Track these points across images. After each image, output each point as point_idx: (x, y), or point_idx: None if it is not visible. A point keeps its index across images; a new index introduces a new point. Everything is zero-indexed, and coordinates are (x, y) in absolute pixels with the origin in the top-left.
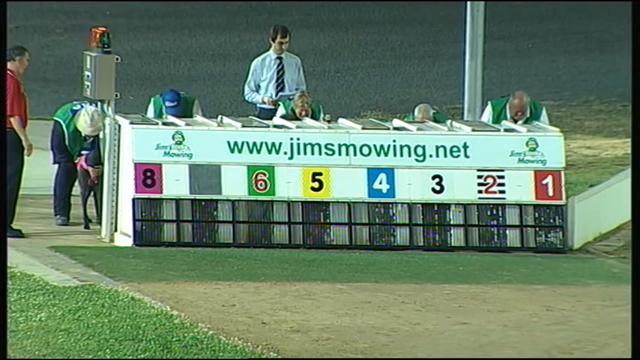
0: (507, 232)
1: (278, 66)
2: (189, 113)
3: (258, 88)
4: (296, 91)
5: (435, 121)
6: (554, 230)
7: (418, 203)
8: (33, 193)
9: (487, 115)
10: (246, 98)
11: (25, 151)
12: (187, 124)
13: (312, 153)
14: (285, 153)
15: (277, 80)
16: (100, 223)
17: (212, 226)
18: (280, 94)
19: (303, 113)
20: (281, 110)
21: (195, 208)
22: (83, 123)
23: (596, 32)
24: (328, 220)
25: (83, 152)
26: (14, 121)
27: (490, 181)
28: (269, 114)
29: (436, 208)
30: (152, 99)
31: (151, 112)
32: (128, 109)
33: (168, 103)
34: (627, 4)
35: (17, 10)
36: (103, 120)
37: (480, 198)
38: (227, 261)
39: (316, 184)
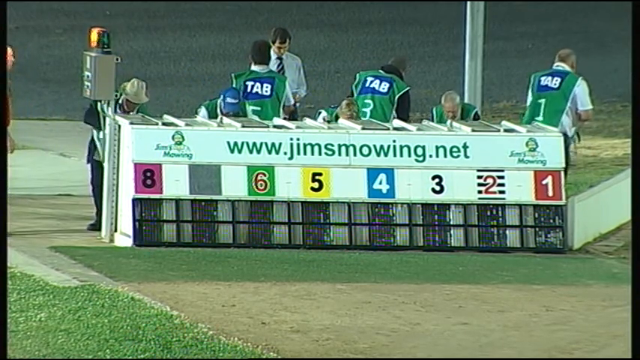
0: (507, 232)
1: (278, 66)
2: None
3: None
4: (297, 90)
5: (463, 110)
6: (554, 230)
7: (418, 203)
8: (33, 193)
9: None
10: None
11: (8, 150)
12: (187, 125)
13: (312, 153)
14: (285, 153)
15: None
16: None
17: (212, 226)
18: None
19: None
20: (323, 116)
21: (195, 208)
22: (130, 87)
23: (596, 32)
24: (328, 221)
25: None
26: None
27: (490, 181)
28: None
29: (436, 209)
30: (202, 105)
31: (202, 117)
32: None
33: (229, 100)
34: (627, 4)
35: (17, 10)
36: (142, 96)
37: (479, 198)
38: (227, 261)
39: (316, 185)
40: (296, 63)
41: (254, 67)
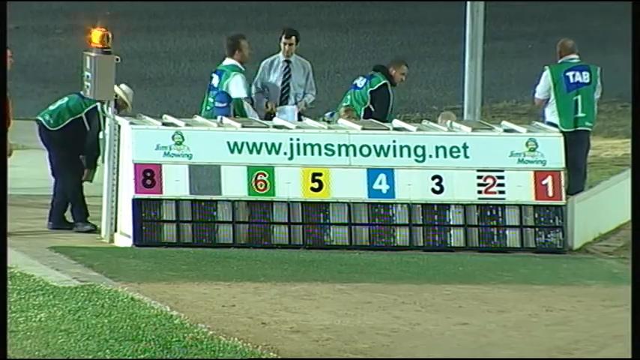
0: (507, 232)
1: (285, 69)
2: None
3: (264, 88)
4: (305, 97)
5: None
6: (554, 230)
7: (418, 203)
8: (33, 193)
9: (546, 80)
10: (253, 97)
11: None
12: (187, 125)
13: (312, 153)
14: (285, 153)
15: (283, 83)
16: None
17: (212, 226)
18: (279, 109)
19: None
20: None
21: (195, 208)
22: (124, 86)
23: (596, 32)
24: (328, 221)
25: None
26: None
27: (490, 181)
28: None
29: (436, 209)
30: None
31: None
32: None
33: (217, 104)
34: (627, 4)
35: (17, 10)
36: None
37: (479, 198)
38: (227, 261)
39: (316, 185)
40: (304, 67)
41: (225, 62)
